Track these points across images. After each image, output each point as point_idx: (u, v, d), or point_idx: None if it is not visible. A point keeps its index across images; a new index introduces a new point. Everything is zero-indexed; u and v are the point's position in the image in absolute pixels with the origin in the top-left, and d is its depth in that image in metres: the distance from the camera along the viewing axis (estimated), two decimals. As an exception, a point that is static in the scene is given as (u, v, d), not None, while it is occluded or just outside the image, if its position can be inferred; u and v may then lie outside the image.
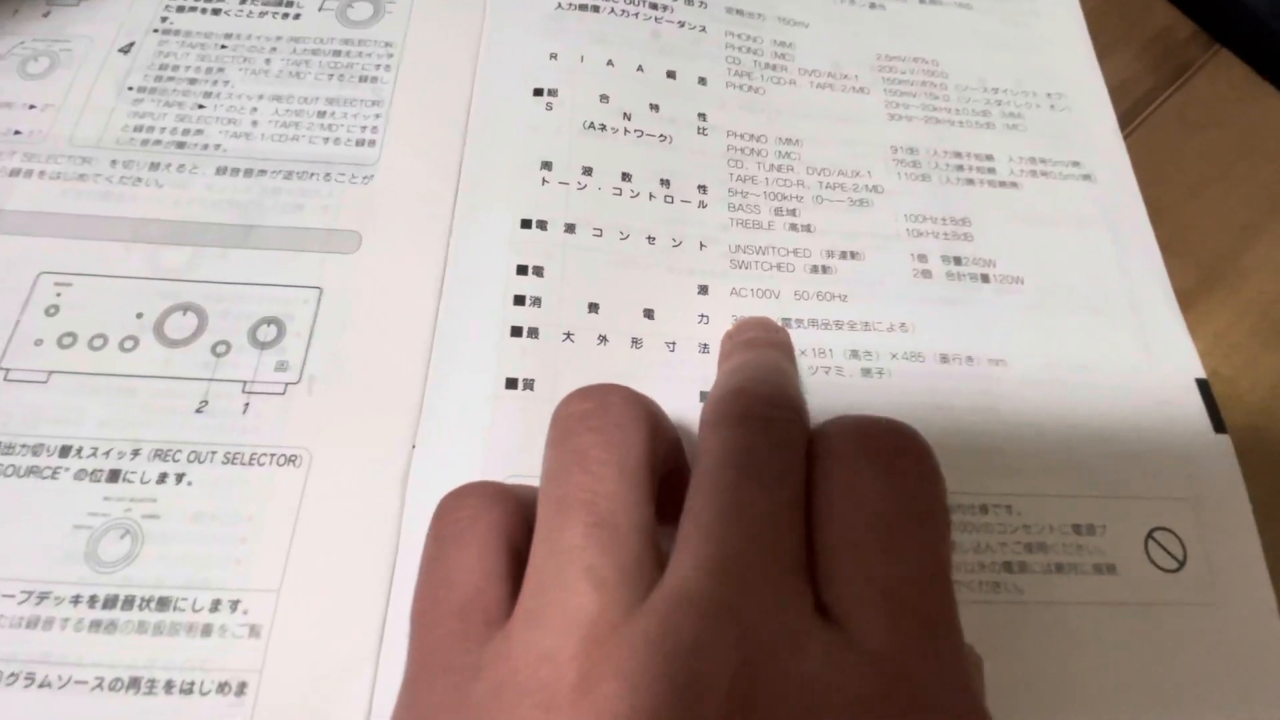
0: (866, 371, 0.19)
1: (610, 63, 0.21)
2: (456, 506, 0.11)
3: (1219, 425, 0.19)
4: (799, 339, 0.19)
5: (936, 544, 0.10)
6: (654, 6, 0.23)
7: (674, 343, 0.18)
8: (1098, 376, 0.19)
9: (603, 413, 0.11)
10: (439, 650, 0.10)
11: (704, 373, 0.18)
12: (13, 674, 0.14)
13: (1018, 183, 0.22)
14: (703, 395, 0.18)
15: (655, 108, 0.21)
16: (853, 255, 0.20)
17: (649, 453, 0.10)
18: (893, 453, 0.10)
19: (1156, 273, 0.21)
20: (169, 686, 0.14)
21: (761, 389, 0.12)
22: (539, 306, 0.18)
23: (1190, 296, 0.21)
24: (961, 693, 0.09)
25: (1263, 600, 0.17)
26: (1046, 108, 0.23)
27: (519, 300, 0.18)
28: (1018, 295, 0.20)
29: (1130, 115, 0.24)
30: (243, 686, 0.14)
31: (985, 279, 0.20)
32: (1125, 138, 0.23)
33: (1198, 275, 0.21)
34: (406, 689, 0.10)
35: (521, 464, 0.16)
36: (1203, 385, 0.19)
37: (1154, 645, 0.16)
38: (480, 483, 0.12)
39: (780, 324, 0.19)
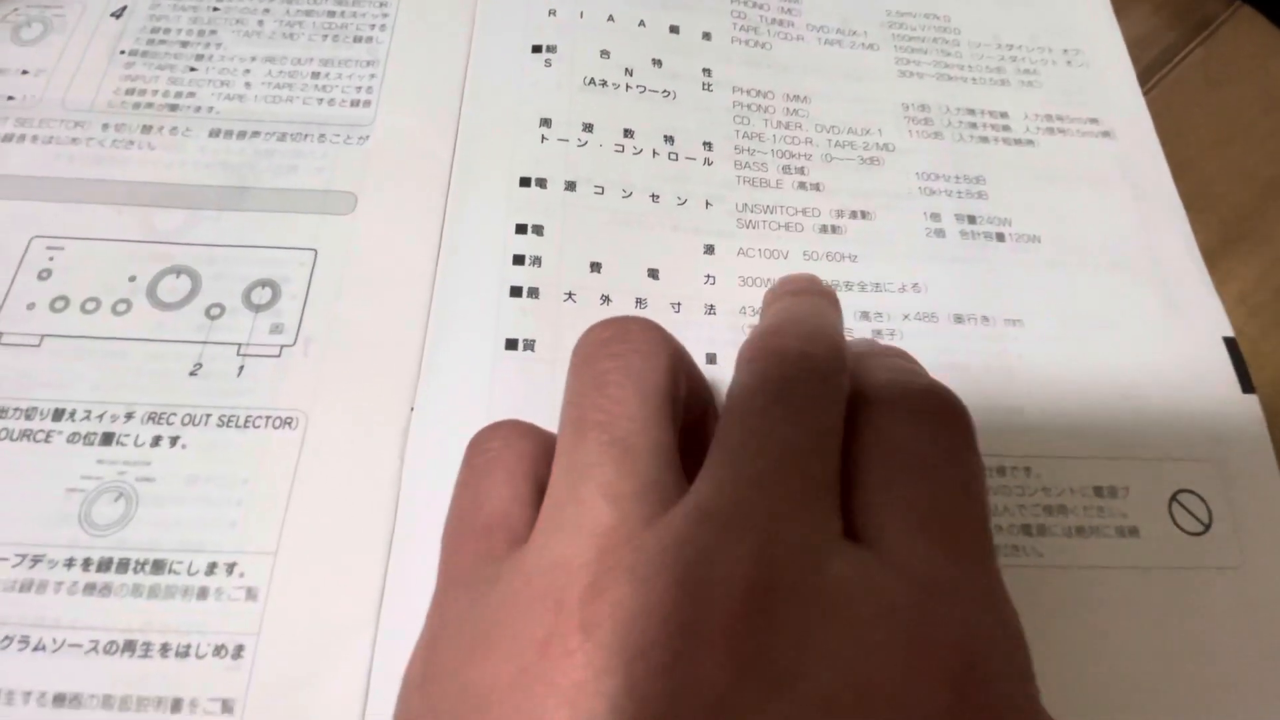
0: (878, 333, 0.18)
1: (611, 18, 0.21)
2: (488, 438, 0.12)
3: (1247, 385, 0.18)
4: (808, 299, 0.18)
5: (975, 485, 0.10)
6: (656, -38, 0.22)
7: (679, 303, 0.18)
8: (1119, 335, 0.19)
9: (623, 339, 0.11)
10: (463, 567, 0.10)
11: (710, 334, 0.18)
12: (6, 637, 0.14)
13: (1034, 140, 0.21)
14: (709, 357, 0.18)
15: (658, 63, 0.21)
16: (863, 215, 0.20)
17: (669, 380, 0.11)
18: (935, 410, 0.10)
19: (1180, 229, 0.20)
20: (165, 649, 0.14)
21: (799, 328, 0.11)
22: (539, 266, 0.18)
23: (1213, 255, 0.20)
24: (1000, 611, 0.09)
25: (1291, 562, 0.16)
26: (1063, 64, 0.23)
27: (518, 260, 0.18)
28: (1035, 254, 0.20)
29: (1150, 71, 0.24)
30: (240, 649, 0.14)
31: (1001, 238, 0.20)
32: (1145, 94, 0.23)
33: (1221, 233, 0.21)
34: (434, 605, 0.11)
35: (523, 426, 0.16)
36: (1230, 344, 0.19)
37: (1178, 610, 0.16)
38: (511, 420, 0.12)
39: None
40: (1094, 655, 0.15)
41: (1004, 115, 0.22)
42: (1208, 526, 0.17)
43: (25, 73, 0.20)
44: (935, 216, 0.20)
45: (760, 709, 0.07)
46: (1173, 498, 0.17)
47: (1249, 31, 0.25)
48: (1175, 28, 0.25)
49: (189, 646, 0.14)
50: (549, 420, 0.16)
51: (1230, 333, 0.19)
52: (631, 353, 0.11)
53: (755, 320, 0.18)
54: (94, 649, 0.14)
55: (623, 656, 0.07)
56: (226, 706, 0.14)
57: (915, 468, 0.10)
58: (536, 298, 0.17)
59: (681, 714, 0.07)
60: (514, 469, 0.11)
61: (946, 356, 0.18)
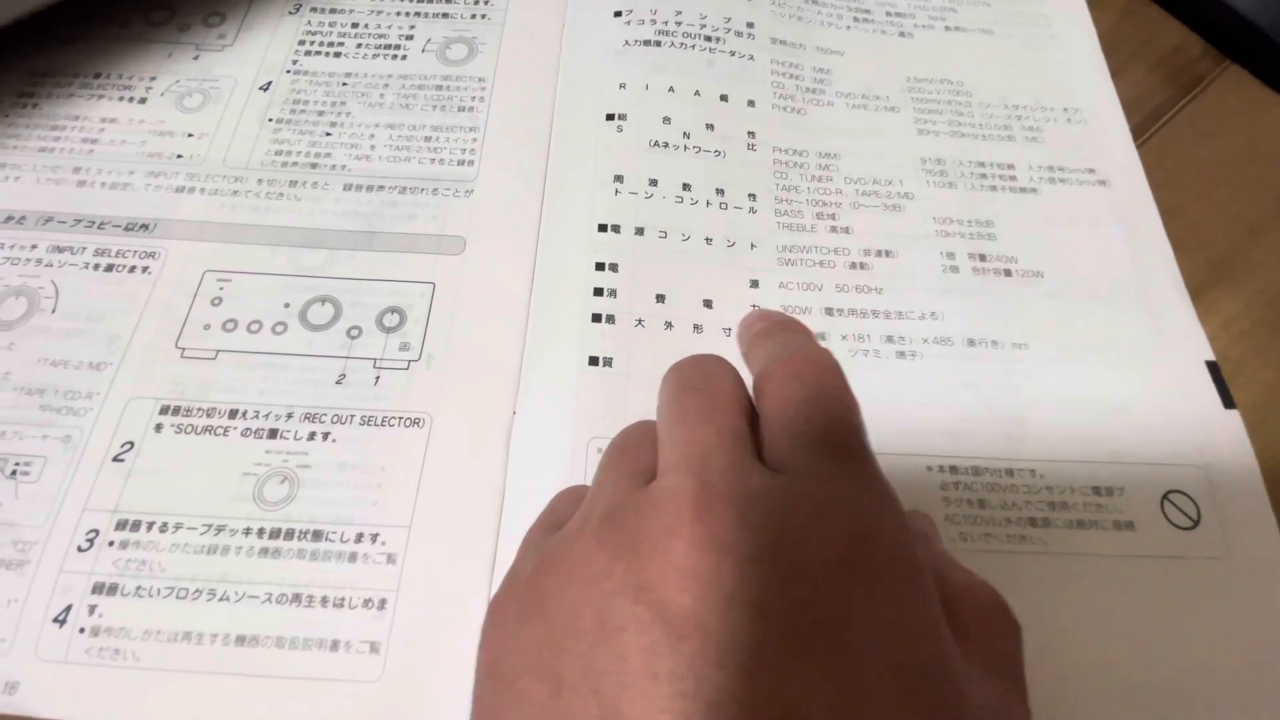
0: (901, 354, 0.21)
1: (671, 89, 0.25)
2: (625, 433, 0.15)
3: (1228, 401, 0.21)
4: (841, 326, 0.21)
5: (841, 409, 0.14)
6: (708, 39, 0.26)
7: (730, 329, 0.21)
8: (1113, 358, 0.21)
9: (703, 367, 0.15)
10: (616, 493, 0.13)
11: (757, 354, 0.21)
12: (198, 589, 0.17)
13: (1037, 189, 0.24)
14: (756, 373, 0.21)
15: (710, 127, 0.24)
16: (887, 254, 0.23)
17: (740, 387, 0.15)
18: (802, 367, 0.14)
19: (1167, 266, 0.23)
20: (324, 601, 0.17)
21: (691, 358, 0.15)
22: (614, 297, 0.21)
23: (1201, 288, 0.23)
24: (876, 489, 0.13)
25: (1273, 554, 0.19)
26: (1063, 121, 0.26)
27: (598, 292, 0.21)
28: (1038, 287, 0.22)
29: (1145, 125, 0.27)
30: (383, 602, 0.17)
31: (1008, 273, 0.23)
32: (1140, 146, 0.26)
33: (1208, 269, 0.23)
34: (563, 539, 0.14)
35: (602, 428, 0.19)
36: (1212, 367, 0.21)
37: (1171, 593, 0.18)
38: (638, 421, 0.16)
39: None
40: (1092, 632, 0.18)
41: (1011, 167, 0.25)
42: (1197, 522, 0.19)
43: (190, 135, 0.24)
44: (950, 255, 0.23)
45: (715, 571, 0.11)
46: (1164, 497, 0.20)
47: (1237, 88, 0.28)
48: (1168, 87, 0.28)
49: (343, 599, 0.17)
50: (623, 420, 0.19)
51: (1212, 357, 0.21)
52: (716, 364, 0.15)
53: (795, 342, 0.21)
54: (268, 600, 0.17)
55: (626, 547, 0.12)
56: (374, 648, 0.17)
57: (799, 410, 0.13)
58: (613, 323, 0.21)
59: (662, 568, 0.11)
60: (641, 450, 0.14)
61: (961, 375, 0.21)
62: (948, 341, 0.21)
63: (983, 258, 0.23)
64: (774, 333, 0.16)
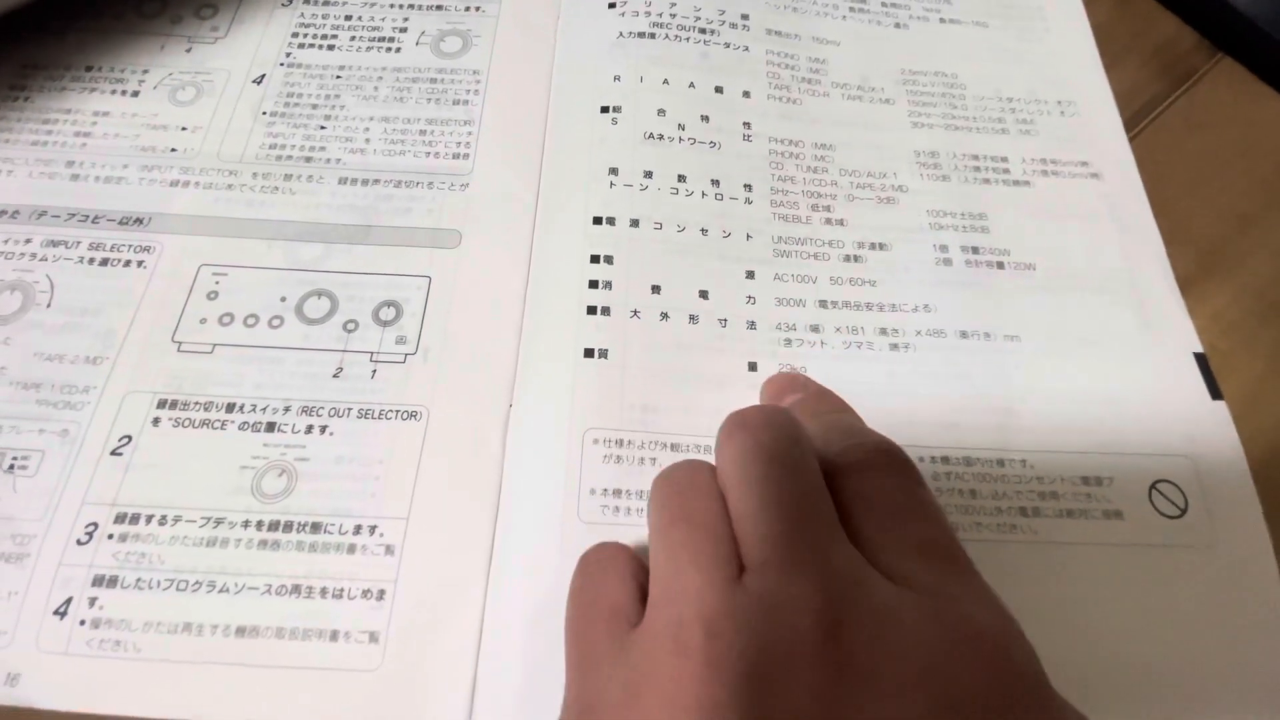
0: (894, 346, 0.21)
1: (666, 81, 0.25)
2: (597, 551, 0.15)
3: (1215, 393, 0.21)
4: (835, 318, 0.22)
5: (940, 518, 0.13)
6: (703, 31, 0.26)
7: (725, 319, 0.21)
8: (1103, 350, 0.22)
9: (690, 470, 0.14)
10: (597, 646, 0.12)
11: (751, 346, 0.21)
12: (197, 582, 0.18)
13: (1030, 181, 0.25)
14: (750, 365, 0.21)
15: (705, 119, 0.24)
16: (881, 246, 0.23)
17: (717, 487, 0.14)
18: (890, 465, 0.13)
19: (1158, 258, 0.23)
20: (324, 592, 0.17)
21: (758, 410, 0.14)
22: (610, 289, 0.21)
23: (1190, 280, 0.23)
24: (1000, 608, 0.12)
25: (1259, 543, 0.19)
26: (1056, 114, 0.26)
27: (593, 284, 0.21)
28: (1030, 279, 0.23)
29: (1137, 118, 0.27)
30: (382, 593, 0.17)
31: (1000, 266, 0.23)
32: (1132, 139, 0.26)
33: (1198, 261, 0.24)
34: (574, 678, 0.13)
35: (598, 420, 0.19)
36: (1200, 358, 0.22)
37: (1159, 579, 0.19)
38: (612, 540, 0.15)
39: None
40: (1081, 620, 0.18)
41: (1004, 160, 0.25)
42: (1184, 511, 0.20)
43: (184, 129, 0.24)
44: (944, 248, 0.23)
45: (854, 702, 0.10)
46: (1152, 486, 0.20)
47: (1229, 81, 0.28)
48: (1161, 79, 0.28)
49: (342, 590, 0.17)
50: (618, 412, 0.20)
51: (1200, 349, 0.22)
52: (698, 468, 0.14)
53: (790, 335, 0.21)
54: (267, 591, 0.17)
55: (741, 677, 0.10)
56: (373, 637, 0.17)
57: (896, 514, 0.12)
58: (608, 315, 0.21)
59: (797, 714, 0.10)
60: (622, 572, 0.13)
61: (953, 367, 0.21)
62: (940, 334, 0.22)
63: (975, 250, 0.23)
64: (821, 411, 0.15)
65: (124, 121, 0.24)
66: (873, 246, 0.23)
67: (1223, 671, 0.18)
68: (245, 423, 0.19)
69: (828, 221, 0.23)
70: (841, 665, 0.10)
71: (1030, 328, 0.22)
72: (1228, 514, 0.20)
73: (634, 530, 0.18)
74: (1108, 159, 0.25)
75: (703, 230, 0.22)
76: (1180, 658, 0.18)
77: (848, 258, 0.23)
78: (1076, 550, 0.19)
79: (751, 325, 0.21)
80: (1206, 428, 0.21)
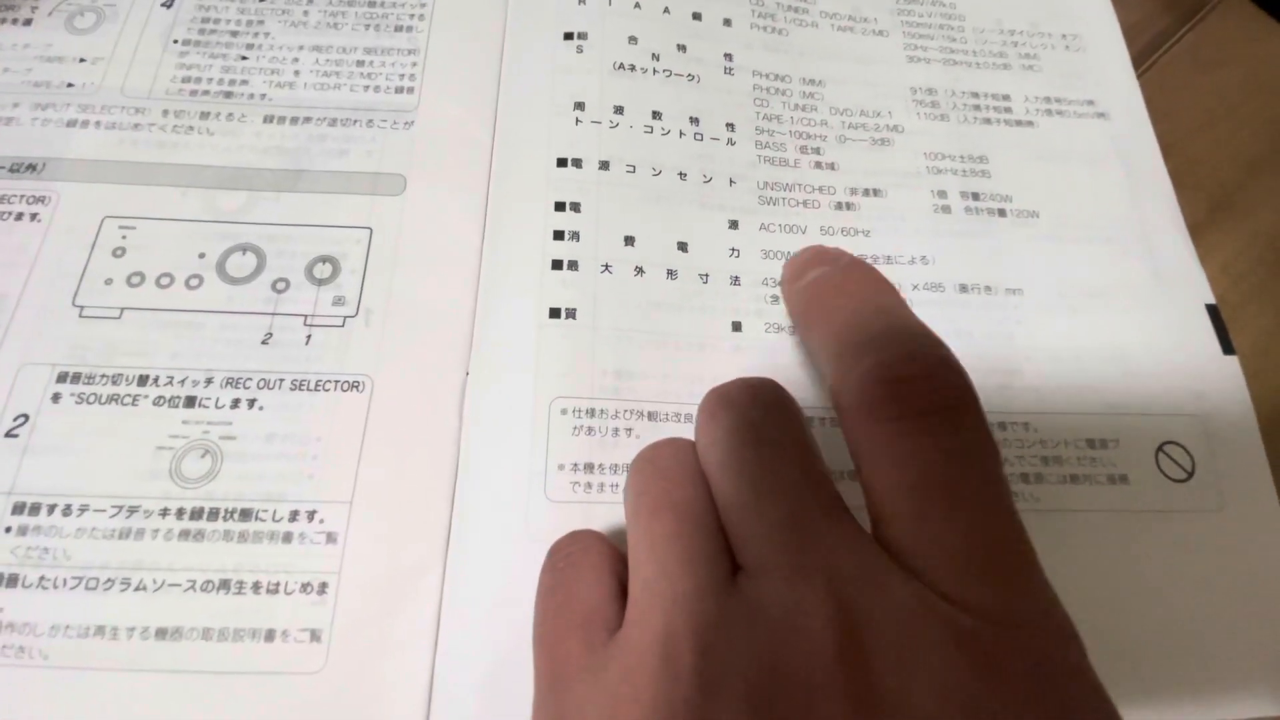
0: (889, 302, 0.20)
1: (637, 5, 0.22)
2: (567, 544, 0.13)
3: (1227, 347, 0.20)
4: (825, 271, 0.20)
5: (1004, 498, 0.10)
6: (677, -48, 0.23)
7: (707, 274, 0.19)
8: (1110, 303, 0.20)
9: (669, 449, 0.12)
10: (570, 660, 0.10)
11: (736, 303, 0.19)
12: (109, 579, 0.15)
13: (1034, 121, 0.23)
14: (735, 325, 0.19)
15: (682, 48, 0.22)
16: (875, 192, 0.21)
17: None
18: (943, 411, 0.10)
19: (1168, 205, 0.22)
20: (256, 587, 0.15)
21: (740, 381, 0.12)
22: (577, 240, 0.19)
23: (1199, 228, 0.22)
24: (1059, 630, 0.10)
25: (1268, 506, 0.18)
26: (1062, 49, 0.24)
27: (558, 235, 0.19)
28: (1034, 228, 0.21)
29: (1144, 55, 0.25)
30: (324, 586, 0.15)
31: (1002, 213, 0.21)
32: (1139, 77, 0.24)
33: (1207, 207, 0.22)
34: (545, 696, 0.11)
35: (566, 387, 0.17)
36: (1212, 310, 0.20)
37: (1165, 547, 0.18)
38: (585, 529, 0.13)
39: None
40: (1087, 588, 0.17)
41: (1006, 98, 0.23)
42: (1191, 474, 0.18)
43: (82, 60, 0.21)
44: (942, 194, 0.21)
45: None
46: (1159, 449, 0.19)
47: (1237, 17, 0.26)
48: (1168, 13, 0.26)
49: (278, 584, 0.15)
50: (589, 378, 0.18)
51: (1212, 300, 0.20)
52: (682, 448, 0.12)
53: (777, 291, 0.19)
54: (191, 588, 0.15)
55: (741, 701, 0.08)
56: (314, 636, 0.15)
57: (942, 495, 0.10)
58: (576, 270, 0.19)
59: None
60: (597, 568, 0.12)
61: (952, 324, 0.20)
62: (939, 288, 0.20)
63: (976, 196, 0.21)
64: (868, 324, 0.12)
65: (14, 54, 0.21)
66: (866, 193, 0.21)
67: (1231, 640, 0.17)
68: (161, 397, 0.17)
69: (818, 165, 0.21)
70: (861, 696, 0.08)
71: (1034, 280, 0.20)
72: (1236, 477, 0.19)
73: (608, 509, 0.16)
74: (1115, 98, 0.23)
75: (681, 174, 0.20)
76: (1186, 626, 0.17)
77: (839, 205, 0.21)
78: (1080, 518, 0.18)
79: (735, 281, 0.19)
80: (1216, 384, 0.19)
